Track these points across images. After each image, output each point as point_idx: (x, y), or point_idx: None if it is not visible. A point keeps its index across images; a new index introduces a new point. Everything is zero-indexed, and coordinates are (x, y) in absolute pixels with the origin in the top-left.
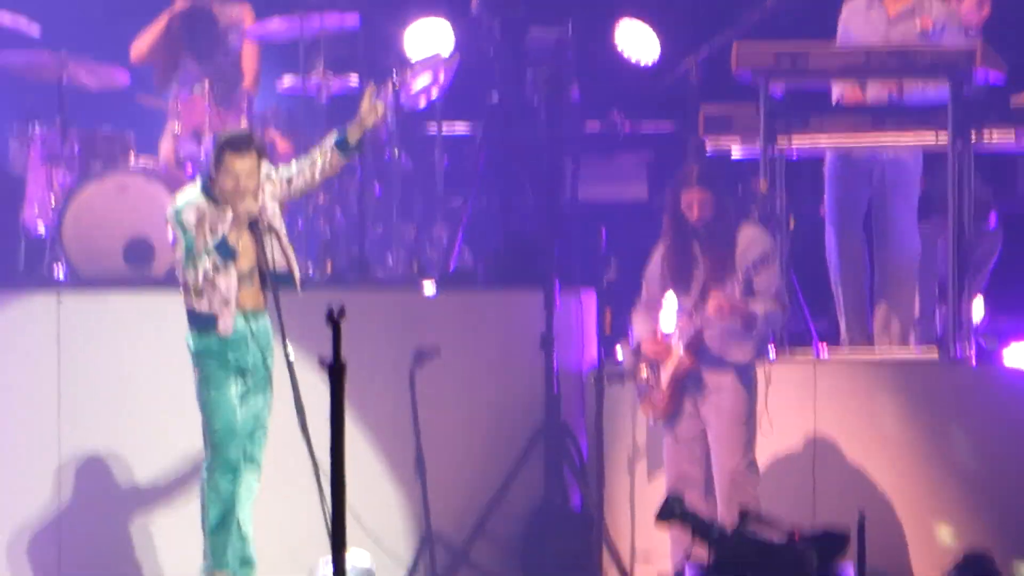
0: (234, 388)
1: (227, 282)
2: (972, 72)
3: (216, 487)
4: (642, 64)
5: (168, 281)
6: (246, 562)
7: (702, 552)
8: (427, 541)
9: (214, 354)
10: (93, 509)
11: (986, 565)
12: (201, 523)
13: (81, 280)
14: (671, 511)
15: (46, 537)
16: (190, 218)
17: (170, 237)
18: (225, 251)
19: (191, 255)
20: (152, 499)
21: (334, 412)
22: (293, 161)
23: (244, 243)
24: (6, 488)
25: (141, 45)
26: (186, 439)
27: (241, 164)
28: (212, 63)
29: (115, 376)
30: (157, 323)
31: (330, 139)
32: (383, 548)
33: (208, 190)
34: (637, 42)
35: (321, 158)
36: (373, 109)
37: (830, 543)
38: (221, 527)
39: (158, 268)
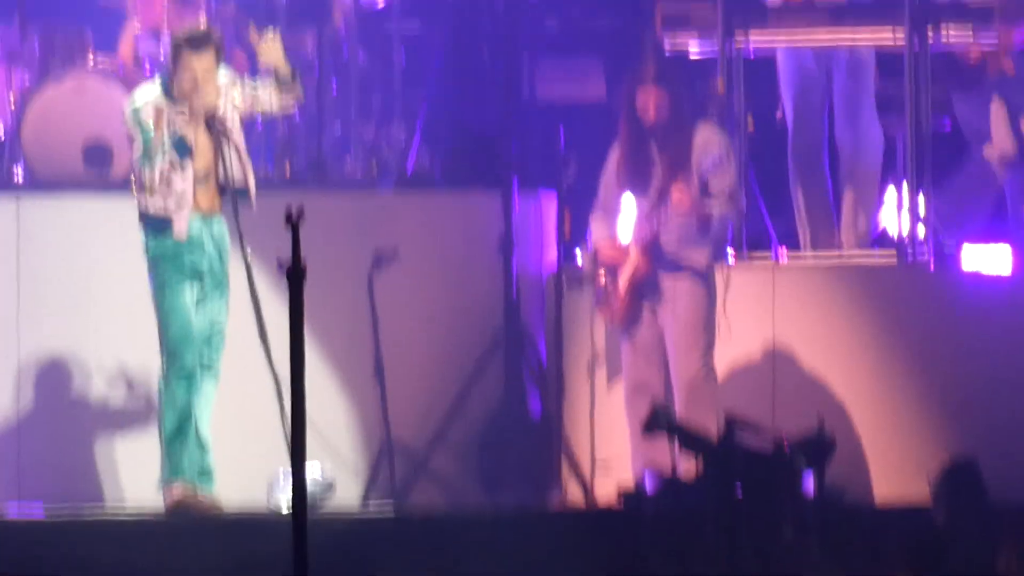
0: (189, 293)
1: (183, 183)
2: None
3: (172, 394)
4: None
5: (128, 184)
6: (205, 472)
7: (664, 461)
8: (386, 450)
9: (169, 258)
10: (53, 417)
11: (972, 473)
12: (158, 432)
13: (40, 182)
14: (658, 422)
15: (6, 446)
16: (147, 116)
17: (128, 136)
18: (181, 148)
19: (148, 152)
20: (113, 407)
21: (293, 317)
22: (258, 79)
23: (201, 143)
24: None
25: None
26: (147, 345)
27: (199, 62)
28: None
29: (75, 280)
30: (117, 227)
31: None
32: (341, 458)
33: (167, 89)
34: None
35: (269, 93)
36: (267, 50)
37: (817, 449)
38: (177, 436)
39: (117, 171)
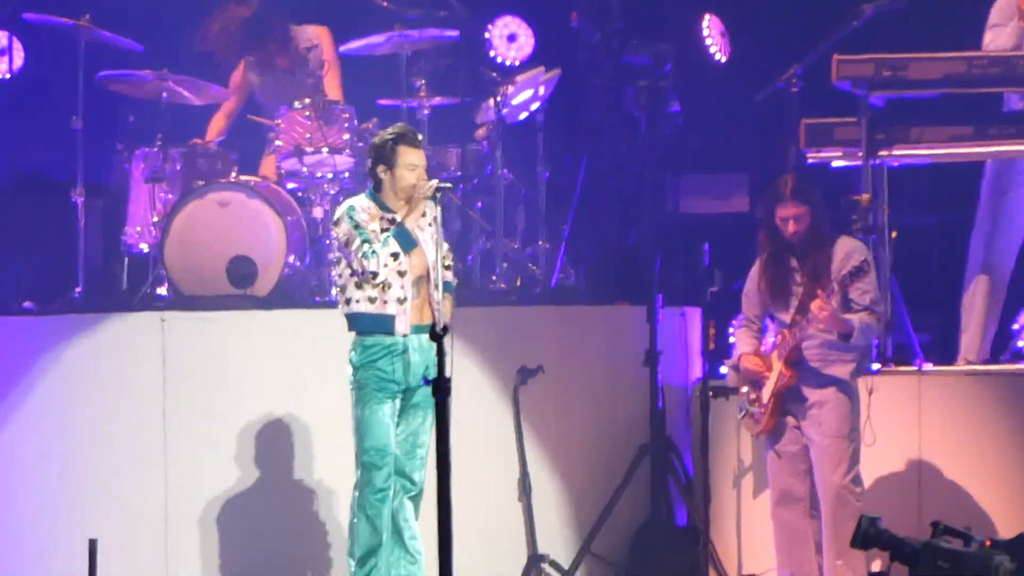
0: (390, 406)
1: (403, 279)
2: None
3: (365, 507)
4: (720, 61)
5: (272, 300)
6: None
7: (811, 570)
8: (533, 560)
9: (377, 369)
10: (203, 532)
11: None
12: (349, 546)
13: (184, 299)
14: (866, 534)
15: (156, 560)
16: (363, 215)
17: (342, 237)
18: (405, 238)
19: (367, 244)
20: (258, 511)
21: (439, 427)
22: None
23: (415, 250)
24: (115, 507)
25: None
26: (291, 458)
27: (419, 156)
28: (295, 81)
29: (220, 396)
30: (261, 342)
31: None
32: (489, 568)
33: (376, 197)
34: (719, 39)
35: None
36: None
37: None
38: (370, 551)
39: (261, 287)
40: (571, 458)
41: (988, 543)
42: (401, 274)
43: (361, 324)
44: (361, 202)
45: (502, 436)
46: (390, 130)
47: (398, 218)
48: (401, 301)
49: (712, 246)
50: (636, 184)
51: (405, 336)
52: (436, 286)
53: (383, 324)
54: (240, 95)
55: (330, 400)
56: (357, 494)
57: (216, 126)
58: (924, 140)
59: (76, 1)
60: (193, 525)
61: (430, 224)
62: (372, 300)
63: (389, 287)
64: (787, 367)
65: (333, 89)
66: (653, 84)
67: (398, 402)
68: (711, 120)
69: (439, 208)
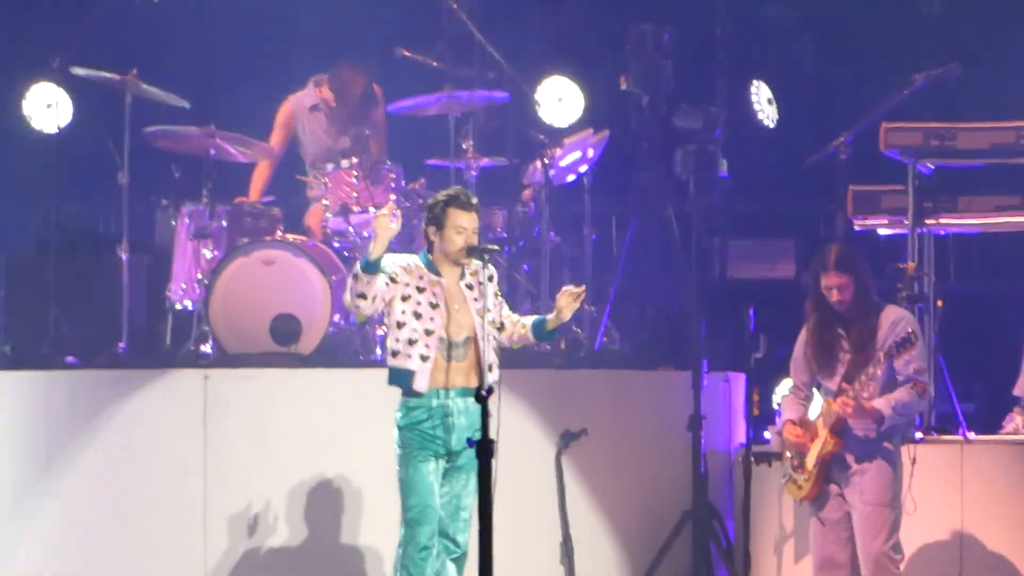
0: (434, 465)
1: (429, 338)
2: None
3: (408, 566)
4: (768, 126)
5: (316, 359)
6: None
7: None
8: None
9: (420, 431)
10: None
11: None
12: None
13: (228, 357)
14: None
15: None
16: (396, 268)
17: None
18: (433, 304)
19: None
20: (298, 569)
21: (482, 489)
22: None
23: (459, 309)
24: (154, 562)
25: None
26: (333, 516)
27: (469, 220)
28: (349, 123)
29: (262, 454)
30: (304, 401)
31: (527, 319)
32: None
33: (427, 259)
34: (767, 105)
35: (513, 327)
36: (571, 304)
37: None
38: None
39: (305, 345)
40: (613, 522)
41: None
42: (428, 332)
43: (394, 378)
44: (402, 260)
45: (544, 499)
46: (443, 192)
47: (443, 279)
48: (424, 358)
49: (757, 312)
50: (683, 248)
51: (449, 398)
52: (484, 347)
53: (402, 379)
54: (281, 144)
55: (373, 459)
56: (401, 552)
57: (257, 184)
58: (971, 209)
59: (123, 56)
60: None
61: (480, 283)
62: (395, 354)
63: (414, 343)
64: (832, 435)
65: (380, 149)
66: (702, 148)
67: (442, 463)
68: (759, 185)
69: (488, 268)
